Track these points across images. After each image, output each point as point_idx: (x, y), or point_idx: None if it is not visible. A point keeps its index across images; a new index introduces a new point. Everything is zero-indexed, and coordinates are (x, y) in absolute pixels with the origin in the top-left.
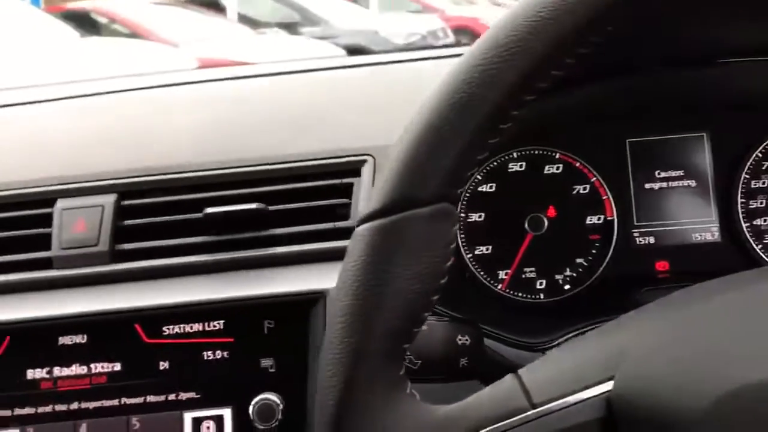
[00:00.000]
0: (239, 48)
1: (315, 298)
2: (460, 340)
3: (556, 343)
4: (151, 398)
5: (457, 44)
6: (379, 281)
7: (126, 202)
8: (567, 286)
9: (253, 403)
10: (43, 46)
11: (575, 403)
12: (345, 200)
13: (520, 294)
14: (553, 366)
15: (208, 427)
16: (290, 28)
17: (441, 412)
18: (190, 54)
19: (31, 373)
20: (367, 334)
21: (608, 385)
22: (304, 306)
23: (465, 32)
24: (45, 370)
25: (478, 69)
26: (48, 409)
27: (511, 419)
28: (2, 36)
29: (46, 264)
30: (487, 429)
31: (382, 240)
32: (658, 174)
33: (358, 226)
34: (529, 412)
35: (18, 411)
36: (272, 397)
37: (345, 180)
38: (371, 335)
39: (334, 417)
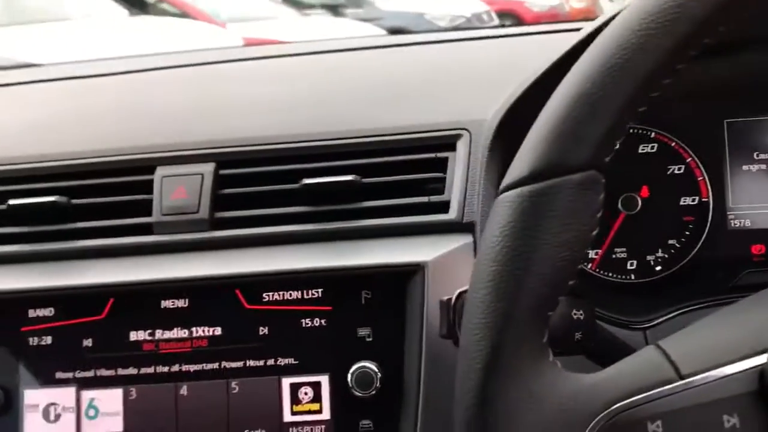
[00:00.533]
0: (285, 29)
1: (413, 270)
2: (575, 314)
3: (659, 322)
4: (250, 363)
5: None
6: (528, 247)
7: (224, 171)
8: (658, 267)
9: (351, 371)
10: (92, 23)
11: (725, 376)
12: (440, 174)
13: (610, 274)
14: (697, 339)
15: (306, 393)
16: (334, 9)
17: (587, 380)
18: (237, 34)
19: (134, 335)
20: (515, 300)
21: (762, 358)
22: (402, 278)
23: (509, 16)
24: (147, 333)
25: (636, 34)
26: (150, 370)
27: (659, 389)
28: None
29: (146, 230)
30: (634, 398)
31: (531, 206)
32: (757, 156)
33: (502, 192)
34: (676, 383)
35: (121, 371)
36: (370, 365)
37: (440, 154)
38: (519, 301)
39: (482, 381)
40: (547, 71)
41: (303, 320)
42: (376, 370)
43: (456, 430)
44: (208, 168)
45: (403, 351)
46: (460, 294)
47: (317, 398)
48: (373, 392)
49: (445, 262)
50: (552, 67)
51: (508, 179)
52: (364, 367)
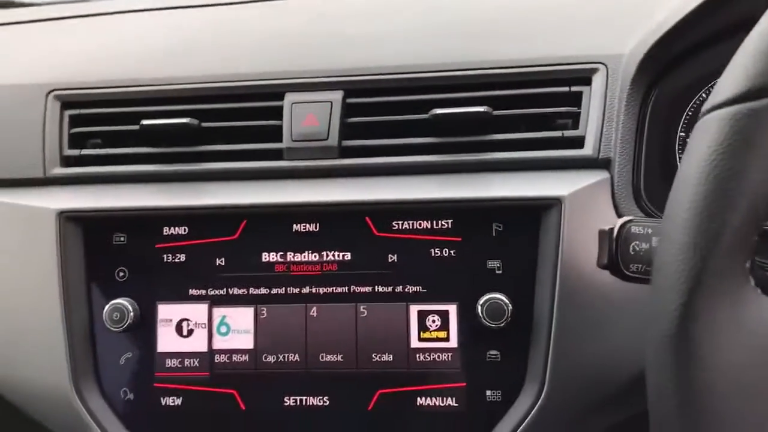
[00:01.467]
0: None
1: (549, 204)
2: None
3: None
4: (379, 288)
5: None
6: (742, 166)
7: (352, 100)
8: None
9: (480, 302)
10: None
11: None
12: (574, 109)
13: None
14: None
15: (434, 321)
16: None
17: None
18: None
19: (266, 256)
20: (724, 220)
21: None
22: (537, 211)
23: None
24: (279, 255)
25: None
26: (280, 291)
27: None
28: None
29: (276, 155)
30: None
31: (749, 124)
32: None
33: (709, 112)
34: None
35: (252, 291)
36: (500, 296)
37: (574, 88)
38: (729, 221)
39: (686, 298)
40: (704, 4)
41: (432, 250)
42: (507, 301)
43: (650, 348)
44: (337, 96)
45: (535, 284)
46: (624, 224)
47: (445, 326)
48: (503, 324)
49: (581, 197)
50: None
51: (717, 98)
52: (494, 298)
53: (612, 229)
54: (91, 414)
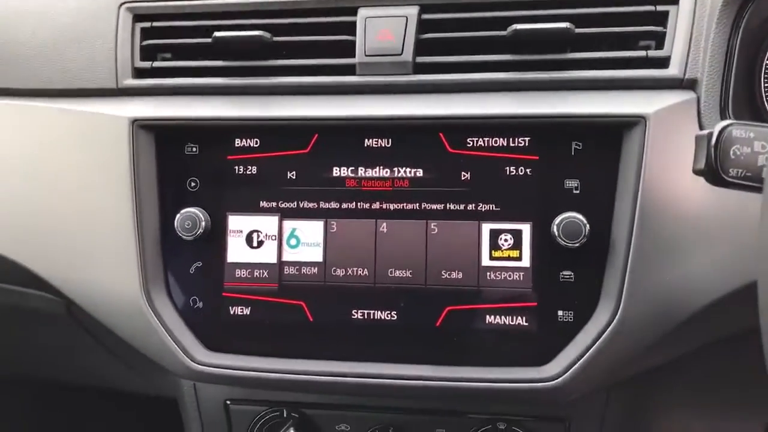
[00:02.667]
0: None
1: (633, 122)
2: None
3: None
4: (450, 206)
5: None
6: None
7: (428, 16)
8: None
9: (556, 221)
10: None
11: None
12: (659, 28)
13: None
14: None
15: (506, 240)
16: None
17: None
18: None
19: (337, 171)
20: None
21: None
22: (619, 129)
23: None
24: (350, 169)
25: None
26: (351, 206)
27: None
28: None
29: (349, 70)
30: None
31: None
32: None
33: None
34: None
35: (323, 205)
36: (578, 216)
37: (660, 7)
38: None
39: None
40: None
41: (507, 168)
42: (584, 221)
43: None
44: (412, 11)
45: (614, 204)
46: (724, 128)
47: (517, 246)
48: (579, 243)
49: (666, 116)
50: None
51: None
52: (571, 218)
53: (711, 133)
54: (161, 320)
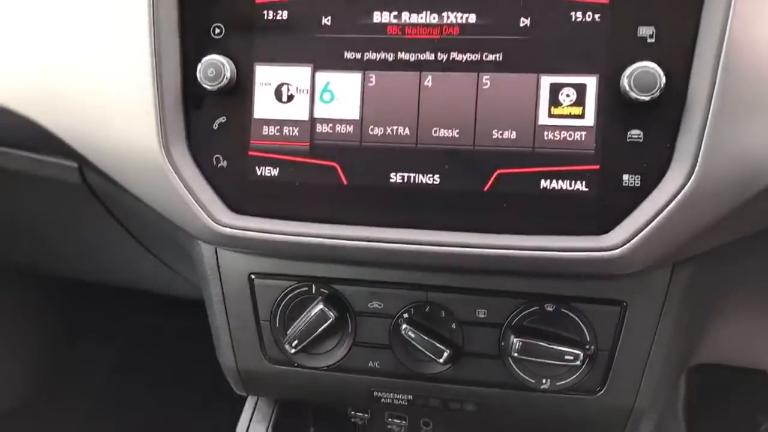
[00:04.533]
0: None
1: None
2: None
3: None
4: (506, 57)
5: None
6: None
7: None
8: None
9: (626, 73)
10: None
11: None
12: None
13: None
14: None
15: (568, 95)
16: None
17: None
18: None
19: (378, 16)
20: None
21: None
22: None
23: None
24: (393, 15)
25: None
26: (392, 56)
27: None
28: None
29: None
30: None
31: None
32: None
33: None
34: None
35: (361, 55)
36: (652, 66)
37: None
38: None
39: None
40: None
41: (573, 13)
42: (659, 72)
43: None
44: None
45: (694, 54)
46: None
47: (580, 102)
48: (651, 98)
49: None
50: None
51: None
52: (644, 68)
53: None
54: (182, 179)
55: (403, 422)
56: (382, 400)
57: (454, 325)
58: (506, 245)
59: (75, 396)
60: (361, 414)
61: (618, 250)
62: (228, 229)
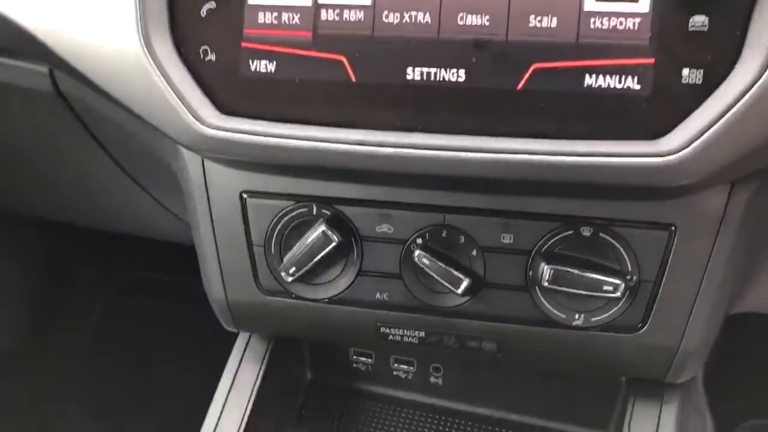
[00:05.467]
0: None
1: None
2: None
3: None
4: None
5: None
6: None
7: None
8: None
9: None
10: None
11: None
12: None
13: None
14: None
15: None
16: None
17: None
18: None
19: None
20: None
21: None
22: None
23: None
24: None
25: None
26: None
27: None
28: None
29: None
30: None
31: None
32: None
33: None
34: None
35: None
36: None
37: None
38: None
39: None
40: None
41: None
42: None
43: None
44: None
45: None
46: None
47: None
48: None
49: None
50: None
51: None
52: None
53: None
54: (164, 75)
55: (411, 368)
56: (390, 337)
57: (474, 252)
58: (542, 151)
59: (64, 344)
60: (364, 359)
61: (675, 156)
62: (217, 132)
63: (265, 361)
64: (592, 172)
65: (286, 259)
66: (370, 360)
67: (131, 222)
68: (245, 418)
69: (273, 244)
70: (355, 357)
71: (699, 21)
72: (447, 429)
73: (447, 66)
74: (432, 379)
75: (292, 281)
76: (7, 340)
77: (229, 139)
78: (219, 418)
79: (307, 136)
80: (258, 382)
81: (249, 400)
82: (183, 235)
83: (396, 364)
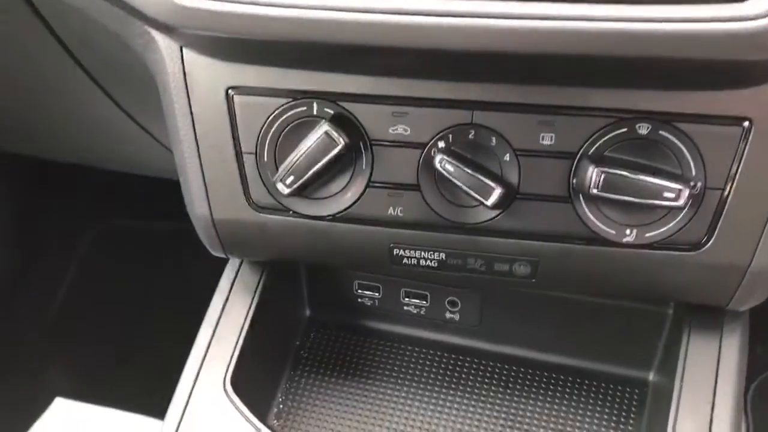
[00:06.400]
0: None
1: None
2: None
3: None
4: None
5: None
6: None
7: None
8: None
9: None
10: None
11: None
12: None
13: None
14: None
15: None
16: None
17: None
18: None
19: None
20: None
21: None
22: None
23: None
24: None
25: None
26: None
27: None
28: None
29: None
30: None
31: None
32: None
33: None
34: None
35: None
36: None
37: None
38: None
39: None
40: None
41: None
42: None
43: None
44: None
45: None
46: None
47: None
48: None
49: None
50: None
51: None
52: None
53: None
54: None
55: (424, 302)
56: (405, 261)
57: (507, 156)
58: (602, 16)
59: (43, 289)
60: (370, 293)
61: (762, 21)
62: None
63: (257, 294)
64: (664, 43)
65: (282, 167)
66: (377, 294)
67: (114, 155)
68: (233, 360)
69: (266, 151)
70: (359, 291)
71: None
72: (464, 369)
73: None
74: (448, 315)
75: (289, 194)
76: None
77: (209, 9)
78: (203, 360)
79: (302, 3)
80: (249, 317)
81: (238, 339)
82: (170, 168)
83: (407, 299)
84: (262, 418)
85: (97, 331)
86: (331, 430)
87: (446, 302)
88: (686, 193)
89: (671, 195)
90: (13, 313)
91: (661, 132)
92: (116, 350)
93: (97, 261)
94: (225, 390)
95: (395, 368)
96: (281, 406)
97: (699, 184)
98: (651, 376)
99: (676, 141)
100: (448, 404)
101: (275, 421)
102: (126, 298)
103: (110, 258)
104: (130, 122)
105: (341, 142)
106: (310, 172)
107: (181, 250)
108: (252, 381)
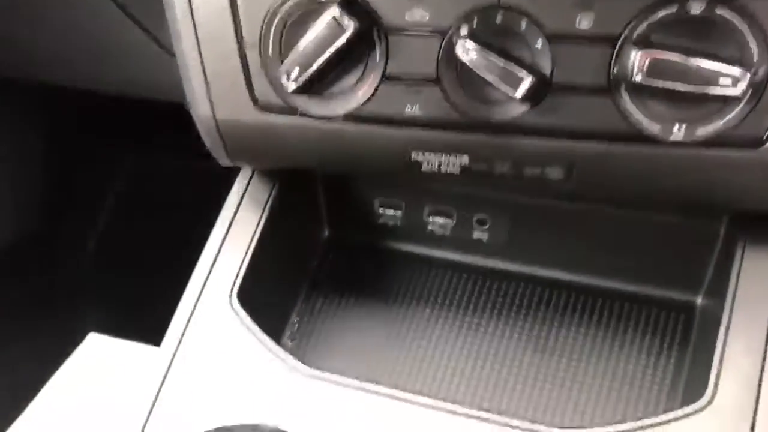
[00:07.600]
0: None
1: None
2: None
3: None
4: None
5: None
6: None
7: None
8: None
9: None
10: None
11: None
12: None
13: None
14: None
15: None
16: None
17: None
18: None
19: None
20: None
21: None
22: None
23: None
24: None
25: None
26: None
27: None
28: None
29: None
30: None
31: None
32: None
33: None
34: None
35: None
36: None
37: None
38: None
39: None
40: None
41: None
42: None
43: None
44: None
45: None
46: None
47: None
48: None
49: None
50: None
51: None
52: None
53: None
54: None
55: (450, 221)
56: (424, 166)
57: (539, 44)
58: None
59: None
60: (392, 211)
61: None
62: None
63: (267, 206)
64: None
65: (287, 59)
66: (399, 212)
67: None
68: (240, 274)
69: (271, 42)
70: (381, 209)
71: None
72: (494, 292)
73: None
74: (476, 234)
75: (296, 90)
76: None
77: None
78: (207, 275)
79: None
80: (258, 231)
81: (246, 252)
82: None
83: (431, 217)
84: (274, 337)
85: (135, 267)
86: (349, 354)
87: (474, 220)
88: (746, 79)
89: (728, 82)
90: (52, 248)
91: (717, 11)
92: (154, 285)
93: (136, 197)
94: (231, 304)
95: (418, 291)
96: (296, 327)
97: (762, 71)
98: (699, 300)
99: (733, 21)
100: (473, 328)
101: (289, 342)
102: (164, 234)
103: (148, 194)
104: (139, 32)
105: (352, 27)
106: (318, 63)
107: (221, 188)
108: (263, 300)
